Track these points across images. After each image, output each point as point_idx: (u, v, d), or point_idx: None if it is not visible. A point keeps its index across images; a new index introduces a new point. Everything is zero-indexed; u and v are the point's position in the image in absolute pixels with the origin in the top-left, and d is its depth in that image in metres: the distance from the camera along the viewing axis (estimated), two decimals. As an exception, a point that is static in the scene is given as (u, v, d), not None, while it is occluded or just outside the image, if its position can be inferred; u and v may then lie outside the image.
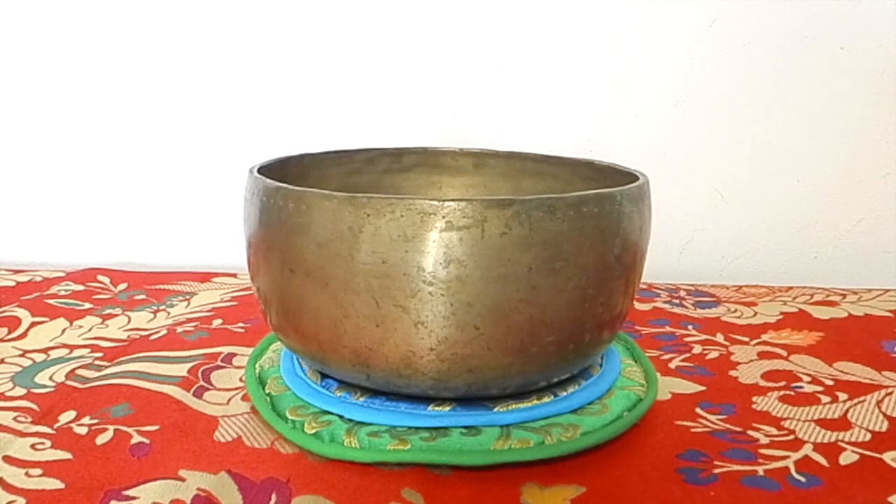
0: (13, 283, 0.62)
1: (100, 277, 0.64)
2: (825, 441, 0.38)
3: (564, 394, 0.39)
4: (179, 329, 0.52)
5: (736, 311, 0.58)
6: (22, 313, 0.55)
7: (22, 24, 0.69)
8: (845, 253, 0.71)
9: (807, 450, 0.37)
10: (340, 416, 0.38)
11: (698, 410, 0.41)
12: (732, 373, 0.46)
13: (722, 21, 0.67)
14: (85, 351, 0.49)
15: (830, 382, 0.45)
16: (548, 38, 0.68)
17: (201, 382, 0.44)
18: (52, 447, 0.36)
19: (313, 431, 0.37)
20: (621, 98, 0.69)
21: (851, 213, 0.70)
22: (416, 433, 0.36)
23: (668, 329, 0.54)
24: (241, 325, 0.53)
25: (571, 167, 0.49)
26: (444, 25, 0.68)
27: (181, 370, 0.45)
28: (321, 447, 0.36)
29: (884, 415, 0.41)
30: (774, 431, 0.39)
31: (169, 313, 0.56)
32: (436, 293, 0.33)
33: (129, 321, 0.54)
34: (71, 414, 0.40)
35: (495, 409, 0.37)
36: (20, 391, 0.42)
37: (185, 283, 0.64)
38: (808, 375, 0.46)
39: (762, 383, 0.45)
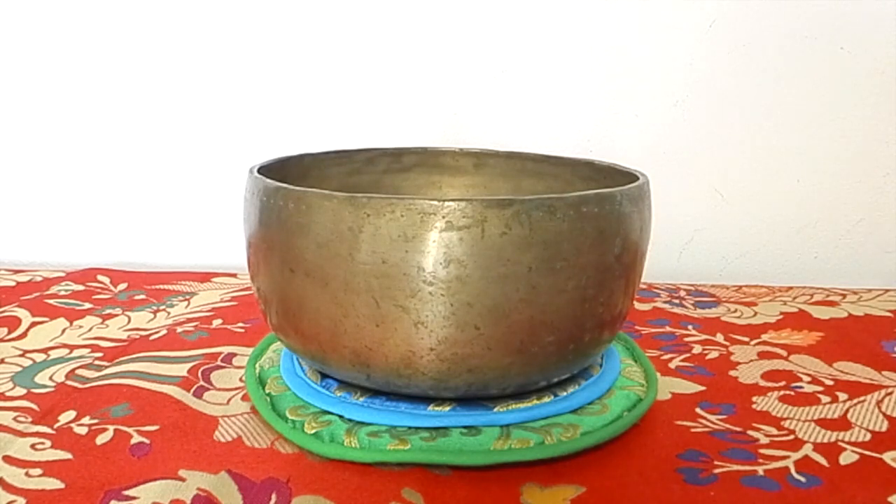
0: (13, 283, 0.62)
1: (100, 277, 0.64)
2: (825, 441, 0.38)
3: (564, 394, 0.39)
4: (179, 329, 0.52)
5: (736, 311, 0.58)
6: (22, 313, 0.55)
7: (22, 24, 0.69)
8: (845, 253, 0.71)
9: (807, 450, 0.37)
10: (340, 416, 0.38)
11: (698, 410, 0.41)
12: (732, 373, 0.46)
13: (722, 21, 0.67)
14: (85, 351, 0.49)
15: (830, 382, 0.45)
16: (548, 38, 0.68)
17: (201, 382, 0.44)
18: (52, 447, 0.36)
19: (313, 431, 0.37)
20: (621, 98, 0.69)
21: (851, 213, 0.70)
22: (416, 433, 0.36)
23: (668, 329, 0.54)
24: (241, 325, 0.53)
25: (571, 167, 0.49)
26: (444, 25, 0.68)
27: (181, 370, 0.45)
28: (321, 447, 0.36)
29: (884, 415, 0.41)
30: (774, 431, 0.39)
31: (169, 313, 0.56)
32: (436, 293, 0.33)
33: (129, 321, 0.54)
34: (71, 414, 0.40)
35: (495, 409, 0.37)
36: (20, 391, 0.42)
37: (185, 283, 0.64)
38: (808, 375, 0.46)
39: (762, 383, 0.45)
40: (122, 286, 0.62)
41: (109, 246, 0.73)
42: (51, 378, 0.44)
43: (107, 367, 0.46)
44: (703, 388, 0.44)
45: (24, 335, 0.51)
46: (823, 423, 0.40)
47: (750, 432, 0.39)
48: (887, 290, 0.63)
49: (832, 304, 0.60)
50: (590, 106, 0.69)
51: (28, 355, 0.48)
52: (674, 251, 0.72)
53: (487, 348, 0.34)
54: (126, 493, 0.33)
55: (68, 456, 0.36)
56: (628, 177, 0.42)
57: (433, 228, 0.33)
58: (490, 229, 0.33)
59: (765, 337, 0.53)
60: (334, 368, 0.38)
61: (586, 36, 0.68)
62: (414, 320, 0.34)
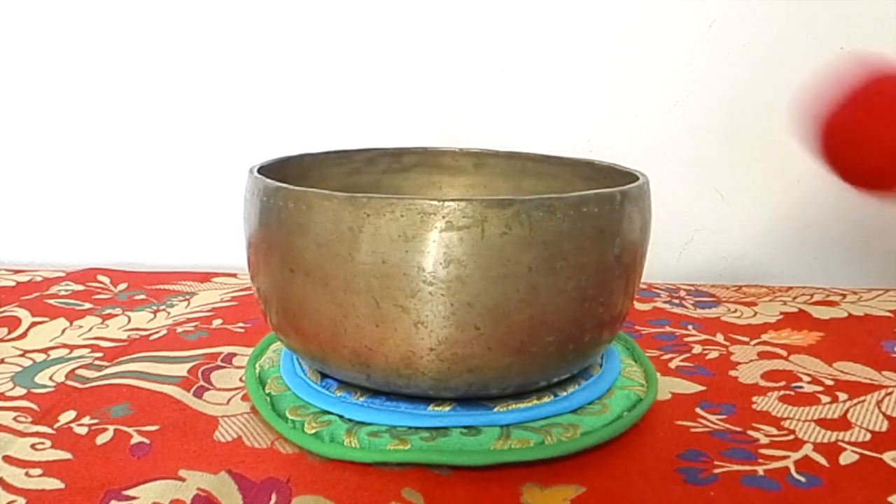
0: (13, 283, 0.62)
1: (100, 277, 0.64)
2: (825, 441, 0.38)
3: (564, 394, 0.39)
4: (179, 329, 0.52)
5: (736, 311, 0.58)
6: (22, 313, 0.55)
7: (22, 24, 0.69)
8: (845, 253, 0.71)
9: (807, 450, 0.37)
10: (340, 416, 0.38)
11: (698, 410, 0.41)
12: (732, 373, 0.46)
13: (722, 21, 0.67)
14: (85, 351, 0.49)
15: (830, 382, 0.45)
16: (548, 38, 0.68)
17: (201, 382, 0.44)
18: (52, 447, 0.36)
19: (313, 431, 0.37)
20: (621, 98, 0.69)
21: (851, 213, 0.70)
22: (416, 433, 0.36)
23: (668, 329, 0.54)
24: (241, 325, 0.53)
25: (571, 167, 0.49)
26: (444, 25, 0.68)
27: (181, 370, 0.45)
28: (321, 447, 0.36)
29: (884, 415, 0.41)
30: (774, 431, 0.39)
31: (169, 313, 0.56)
32: (436, 293, 0.33)
33: (129, 321, 0.54)
34: (71, 414, 0.40)
35: (495, 409, 0.37)
36: (20, 391, 0.42)
37: (185, 283, 0.64)
38: (808, 375, 0.46)
39: (762, 383, 0.45)
40: (122, 286, 0.62)
41: (109, 246, 0.73)
42: (51, 378, 0.44)
43: (107, 367, 0.46)
44: (703, 388, 0.44)
45: (24, 335, 0.51)
46: (823, 423, 0.40)
47: (750, 432, 0.39)
48: (887, 290, 0.63)
49: (832, 304, 0.60)
50: (590, 106, 0.69)
51: (28, 355, 0.48)
52: (674, 251, 0.72)
53: (487, 348, 0.34)
54: (126, 493, 0.33)
55: (68, 456, 0.36)
56: (628, 177, 0.42)
57: (433, 228, 0.33)
58: (490, 229, 0.33)
59: (765, 337, 0.53)
60: (334, 368, 0.38)
61: (586, 36, 0.68)
62: (414, 320, 0.34)
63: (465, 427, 0.36)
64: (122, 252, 0.73)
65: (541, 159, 0.50)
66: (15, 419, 0.39)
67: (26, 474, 0.34)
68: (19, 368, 0.46)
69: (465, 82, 0.69)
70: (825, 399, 0.43)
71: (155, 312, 0.56)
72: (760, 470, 0.35)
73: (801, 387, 0.44)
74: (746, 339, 0.52)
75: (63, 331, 0.52)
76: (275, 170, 0.42)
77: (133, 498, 0.32)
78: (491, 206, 0.33)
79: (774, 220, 0.71)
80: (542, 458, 0.35)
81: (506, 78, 0.69)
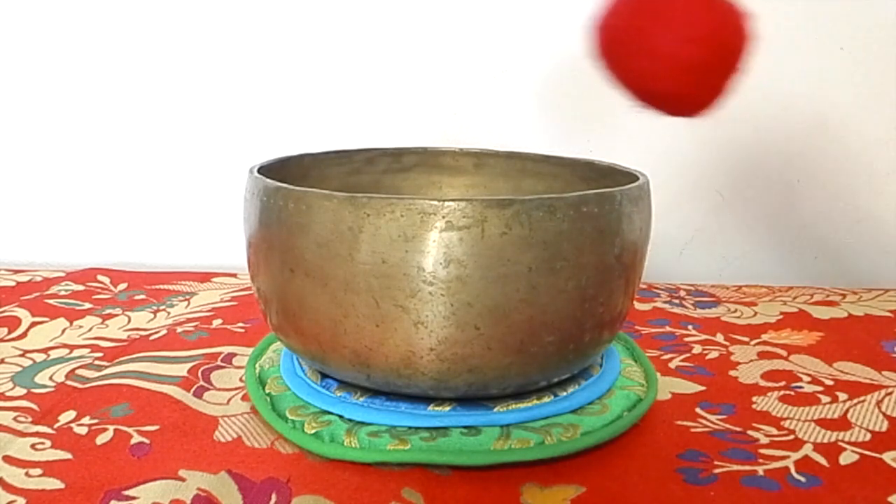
0: (13, 283, 0.62)
1: (100, 277, 0.64)
2: (825, 441, 0.38)
3: (564, 394, 0.39)
4: (179, 329, 0.52)
5: (736, 311, 0.58)
6: (22, 313, 0.55)
7: (22, 24, 0.69)
8: (845, 253, 0.71)
9: (807, 450, 0.37)
10: (340, 416, 0.38)
11: (698, 410, 0.41)
12: (732, 373, 0.46)
13: (722, 21, 0.67)
14: (85, 351, 0.49)
15: (830, 382, 0.45)
16: (548, 38, 0.68)
17: (201, 382, 0.44)
18: (52, 447, 0.36)
19: (313, 431, 0.37)
20: (621, 98, 0.69)
21: (851, 213, 0.70)
22: (416, 433, 0.36)
23: (668, 329, 0.54)
24: (241, 325, 0.53)
25: (571, 167, 0.49)
26: (444, 25, 0.68)
27: (181, 370, 0.45)
28: (321, 447, 0.36)
29: (884, 415, 0.41)
30: (774, 431, 0.39)
31: (169, 313, 0.56)
32: (436, 293, 0.33)
33: (129, 321, 0.54)
34: (71, 414, 0.40)
35: (495, 409, 0.37)
36: (20, 391, 0.42)
37: (185, 283, 0.64)
38: (808, 375, 0.46)
39: (762, 383, 0.45)
40: (122, 286, 0.62)
41: (109, 246, 0.73)
42: (51, 378, 0.44)
43: (107, 367, 0.46)
44: (703, 388, 0.44)
45: (24, 335, 0.51)
46: (823, 423, 0.40)
47: (750, 432, 0.39)
48: (887, 290, 0.63)
49: (832, 304, 0.60)
50: (590, 106, 0.69)
51: (28, 355, 0.48)
52: (674, 251, 0.72)
53: (487, 348, 0.34)
54: (126, 493, 0.33)
55: (68, 456, 0.36)
56: (628, 177, 0.42)
57: (433, 228, 0.33)
58: (490, 229, 0.33)
59: (765, 337, 0.53)
60: (334, 368, 0.38)
61: (586, 36, 0.68)
62: (414, 320, 0.34)
63: (465, 427, 0.36)
64: (122, 252, 0.72)
65: (541, 159, 0.50)
66: (15, 419, 0.39)
67: (26, 474, 0.34)
68: (19, 368, 0.46)
69: (465, 82, 0.69)
70: (825, 399, 0.43)
71: (155, 312, 0.56)
72: (760, 470, 0.35)
73: (801, 387, 0.44)
74: (746, 339, 0.52)
75: (63, 331, 0.52)
76: (275, 170, 0.42)
77: (133, 498, 0.32)
78: (491, 206, 0.33)
79: (774, 220, 0.71)
80: (542, 458, 0.35)
81: (506, 78, 0.69)
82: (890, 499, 0.33)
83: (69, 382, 0.44)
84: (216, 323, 0.54)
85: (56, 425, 0.39)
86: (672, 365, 0.47)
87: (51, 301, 0.58)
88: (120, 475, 0.34)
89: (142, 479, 0.34)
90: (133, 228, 0.73)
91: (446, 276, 0.33)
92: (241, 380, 0.44)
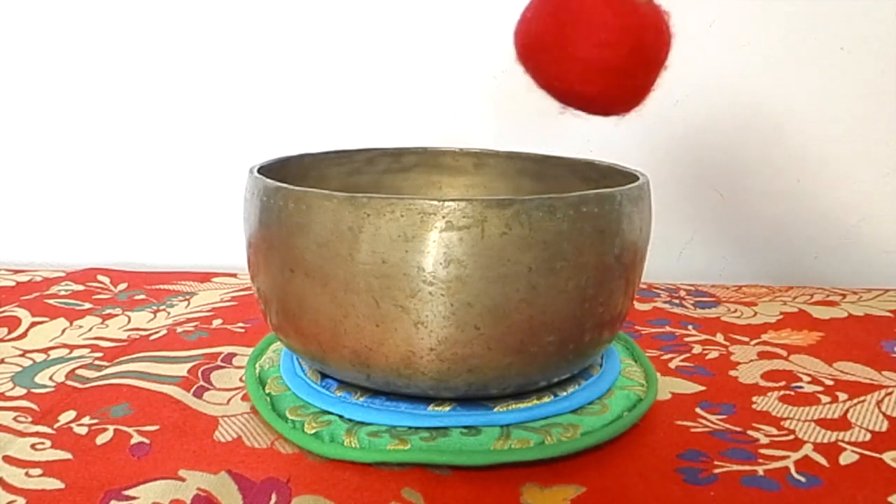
0: (13, 283, 0.62)
1: (100, 277, 0.64)
2: (825, 441, 0.38)
3: (564, 394, 0.39)
4: (179, 329, 0.52)
5: (736, 311, 0.58)
6: (22, 313, 0.55)
7: (22, 24, 0.69)
8: (845, 253, 0.71)
9: (807, 450, 0.37)
10: (340, 416, 0.38)
11: (698, 410, 0.41)
12: (732, 373, 0.46)
13: (722, 21, 0.67)
14: (85, 351, 0.49)
15: (830, 382, 0.45)
16: (548, 38, 0.68)
17: (201, 382, 0.44)
18: (52, 447, 0.36)
19: (313, 431, 0.37)
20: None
21: (851, 213, 0.70)
22: (416, 433, 0.36)
23: (668, 329, 0.54)
24: (241, 325, 0.53)
25: (571, 167, 0.49)
26: (444, 25, 0.68)
27: (181, 370, 0.45)
28: (321, 447, 0.36)
29: (884, 415, 0.41)
30: (774, 431, 0.39)
31: (169, 313, 0.56)
32: (436, 293, 0.33)
33: (129, 321, 0.54)
34: (71, 414, 0.40)
35: (495, 409, 0.37)
36: (20, 391, 0.42)
37: (185, 283, 0.64)
38: (808, 375, 0.46)
39: (762, 383, 0.45)
40: (122, 286, 0.62)
41: (109, 246, 0.73)
42: (51, 378, 0.44)
43: (107, 367, 0.46)
44: (703, 388, 0.44)
45: (24, 335, 0.51)
46: (823, 423, 0.40)
47: (750, 432, 0.39)
48: (887, 290, 0.63)
49: (832, 304, 0.60)
50: (590, 106, 0.69)
51: (28, 355, 0.48)
52: (674, 251, 0.72)
53: (487, 348, 0.34)
54: (126, 493, 0.33)
55: (68, 456, 0.36)
56: (628, 177, 0.42)
57: (433, 228, 0.33)
58: (490, 229, 0.33)
59: (765, 337, 0.53)
60: (334, 368, 0.38)
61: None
62: (414, 320, 0.34)
63: (465, 427, 0.36)
64: (122, 252, 0.73)
65: (541, 159, 0.50)
66: (15, 419, 0.39)
67: (26, 474, 0.34)
68: (19, 368, 0.46)
69: (465, 82, 0.69)
70: (825, 399, 0.43)
71: (155, 312, 0.56)
72: (760, 470, 0.35)
73: (801, 387, 0.44)
74: (746, 339, 0.52)
75: (63, 331, 0.52)
76: (275, 170, 0.42)
77: (133, 498, 0.32)
78: (491, 206, 0.33)
79: (774, 219, 0.71)
80: (542, 458, 0.35)
81: (506, 78, 0.69)
82: (890, 499, 0.33)
83: (69, 382, 0.44)
84: (216, 323, 0.54)
85: (56, 425, 0.39)
86: (672, 365, 0.47)
87: (51, 301, 0.58)
88: (120, 475, 0.34)
89: (142, 479, 0.34)
90: (133, 228, 0.73)
91: (446, 276, 0.33)
92: (241, 380, 0.44)
